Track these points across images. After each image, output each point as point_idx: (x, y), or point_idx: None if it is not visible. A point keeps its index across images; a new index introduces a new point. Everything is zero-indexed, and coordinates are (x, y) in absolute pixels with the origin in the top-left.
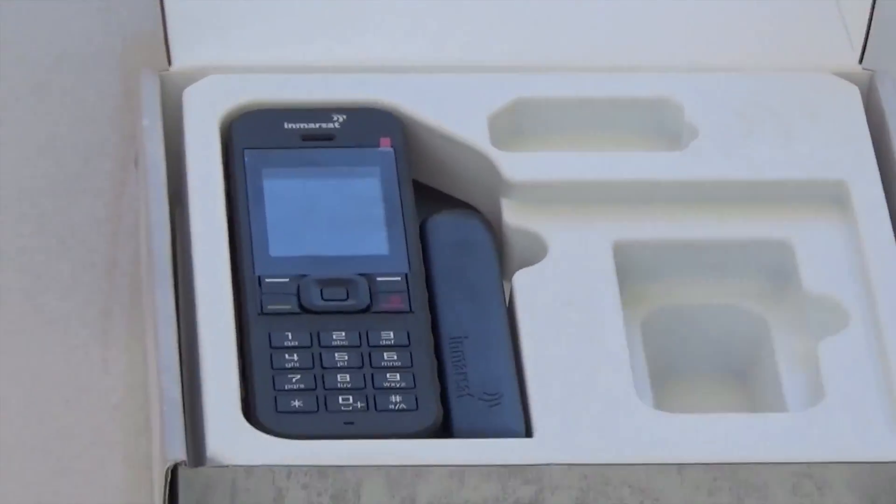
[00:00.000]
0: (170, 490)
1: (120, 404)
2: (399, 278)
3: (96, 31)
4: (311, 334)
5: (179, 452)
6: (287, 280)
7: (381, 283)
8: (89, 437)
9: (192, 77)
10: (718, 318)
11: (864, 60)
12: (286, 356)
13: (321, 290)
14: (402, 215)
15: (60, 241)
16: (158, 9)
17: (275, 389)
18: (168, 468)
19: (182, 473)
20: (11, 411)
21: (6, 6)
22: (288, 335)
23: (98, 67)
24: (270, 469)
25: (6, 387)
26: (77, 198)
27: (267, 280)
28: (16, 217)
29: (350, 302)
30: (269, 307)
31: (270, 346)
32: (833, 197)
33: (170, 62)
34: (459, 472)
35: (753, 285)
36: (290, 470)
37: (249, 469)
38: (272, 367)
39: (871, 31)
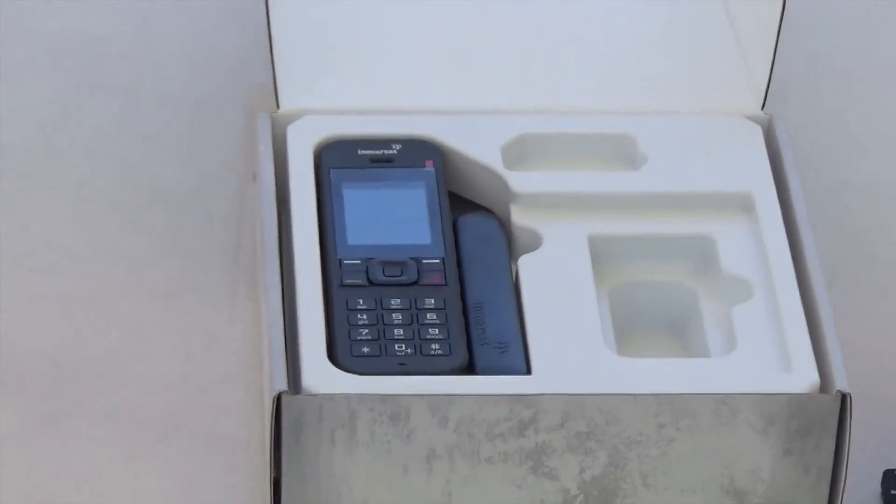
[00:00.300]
0: (275, 411)
1: (241, 349)
2: (438, 261)
3: (228, 83)
4: (375, 300)
5: (282, 384)
6: (359, 261)
7: (426, 264)
8: (219, 372)
9: (293, 117)
10: (662, 290)
11: (765, 107)
12: (358, 316)
13: (383, 269)
14: (441, 216)
15: (202, 233)
16: (271, 70)
17: (350, 339)
18: (274, 396)
19: (284, 399)
20: (165, 352)
21: (164, 64)
22: (359, 301)
23: (230, 109)
24: (347, 397)
25: (162, 336)
26: (213, 201)
27: (345, 261)
28: (171, 215)
29: (403, 277)
30: (347, 281)
31: (347, 309)
32: (743, 205)
33: (278, 106)
34: (480, 399)
35: (687, 267)
36: (360, 397)
37: (331, 396)
38: (348, 324)
39: (769, 87)
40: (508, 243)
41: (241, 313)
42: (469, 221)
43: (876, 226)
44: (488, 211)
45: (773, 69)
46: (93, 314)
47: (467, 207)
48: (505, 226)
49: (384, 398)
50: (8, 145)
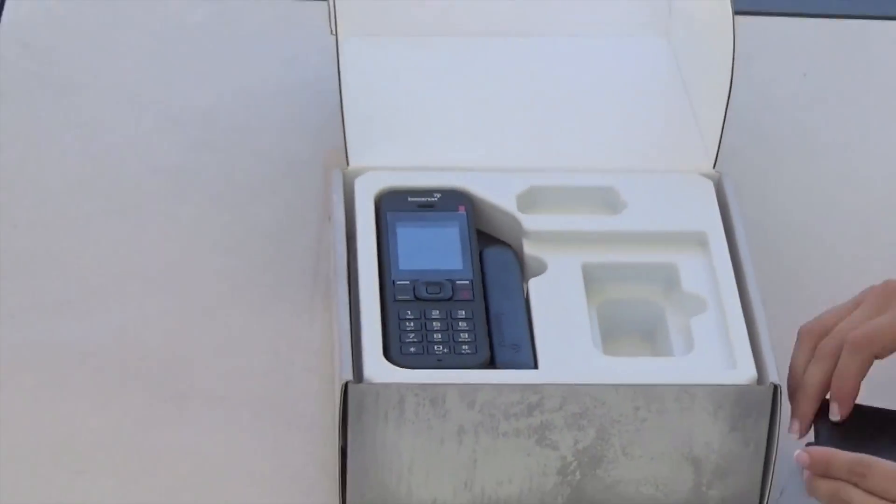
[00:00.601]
0: (343, 396)
1: (318, 348)
2: (468, 281)
3: (310, 145)
4: (420, 312)
5: (349, 376)
6: (408, 282)
7: (458, 284)
8: (301, 366)
9: (359, 172)
10: (638, 305)
11: (716, 166)
12: (406, 323)
13: (426, 287)
14: (470, 248)
15: (289, 259)
16: (343, 136)
17: (400, 342)
18: (342, 384)
19: (350, 387)
20: (259, 350)
21: (262, 130)
22: (408, 312)
23: (311, 166)
24: (397, 385)
25: (257, 337)
26: (298, 235)
27: (397, 282)
28: (265, 245)
29: (441, 294)
30: (399, 297)
31: (398, 318)
32: (698, 240)
33: (348, 164)
34: (498, 387)
35: (656, 287)
36: (407, 386)
37: (386, 385)
38: (399, 329)
39: (720, 150)
40: (521, 269)
41: (318, 320)
42: (492, 252)
43: (802, 256)
44: (506, 244)
45: (722, 136)
46: (204, 320)
47: (490, 241)
48: (519, 255)
49: (425, 386)
50: (139, 192)
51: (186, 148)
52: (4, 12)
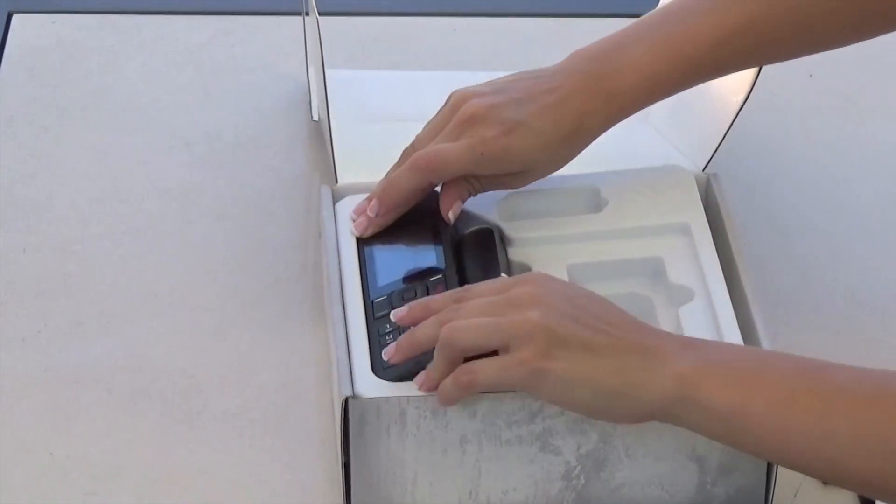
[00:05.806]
0: (344, 411)
1: (327, 364)
2: (441, 275)
3: (301, 167)
4: (395, 324)
5: (349, 391)
6: (385, 297)
7: (432, 281)
8: (311, 382)
9: (348, 190)
10: (626, 299)
11: (706, 168)
12: (385, 338)
13: (402, 296)
14: (443, 238)
15: (298, 275)
16: (331, 158)
17: (381, 357)
18: (342, 400)
19: (350, 402)
20: (270, 367)
21: (268, 150)
22: (387, 326)
23: (304, 185)
24: (398, 398)
25: (268, 355)
26: (307, 253)
27: (375, 301)
28: (275, 263)
29: (416, 298)
30: (378, 314)
31: (378, 335)
32: (683, 232)
33: (336, 182)
34: (499, 396)
35: (644, 280)
36: (408, 398)
37: (387, 398)
38: (379, 346)
39: (716, 153)
40: (504, 246)
41: (325, 338)
42: (470, 235)
43: (808, 254)
44: (486, 225)
45: (723, 140)
46: (215, 340)
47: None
48: (502, 234)
49: (426, 398)
50: (147, 213)
51: (194, 168)
52: (9, 37)
